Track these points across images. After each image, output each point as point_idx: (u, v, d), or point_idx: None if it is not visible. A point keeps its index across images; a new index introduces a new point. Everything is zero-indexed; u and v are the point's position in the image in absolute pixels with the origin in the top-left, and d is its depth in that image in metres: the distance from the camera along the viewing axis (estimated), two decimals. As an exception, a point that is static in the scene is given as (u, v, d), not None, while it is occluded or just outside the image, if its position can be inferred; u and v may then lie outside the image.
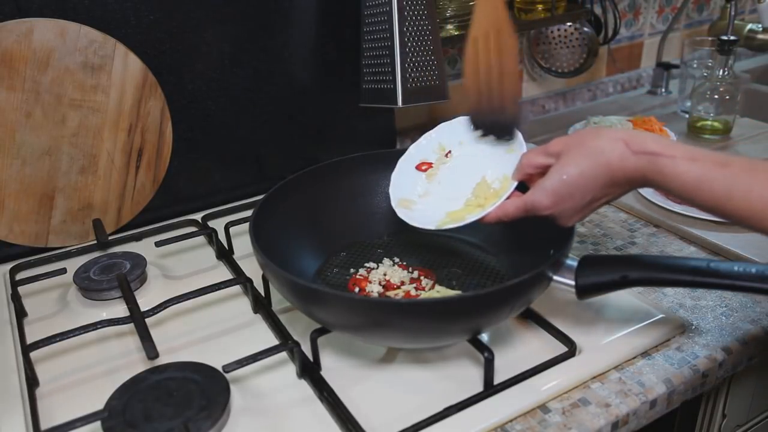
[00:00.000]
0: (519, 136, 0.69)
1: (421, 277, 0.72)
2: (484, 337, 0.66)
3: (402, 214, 0.72)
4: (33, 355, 0.65)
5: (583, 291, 0.61)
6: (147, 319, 0.68)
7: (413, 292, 0.69)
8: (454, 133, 0.74)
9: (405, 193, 0.74)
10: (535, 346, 0.65)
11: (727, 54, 1.11)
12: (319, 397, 0.60)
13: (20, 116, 0.80)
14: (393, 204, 0.73)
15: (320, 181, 0.79)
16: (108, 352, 0.68)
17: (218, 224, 0.88)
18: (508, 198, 0.64)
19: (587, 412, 0.58)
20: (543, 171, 0.62)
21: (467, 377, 0.61)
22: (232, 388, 0.59)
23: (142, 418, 0.55)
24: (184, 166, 0.92)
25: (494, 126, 0.69)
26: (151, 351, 0.62)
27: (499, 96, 0.66)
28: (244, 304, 0.74)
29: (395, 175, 0.76)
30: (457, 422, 0.56)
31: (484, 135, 0.70)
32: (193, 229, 0.91)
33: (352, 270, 0.75)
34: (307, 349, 0.63)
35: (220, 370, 0.59)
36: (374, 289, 0.70)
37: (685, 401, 0.64)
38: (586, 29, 1.22)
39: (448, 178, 0.73)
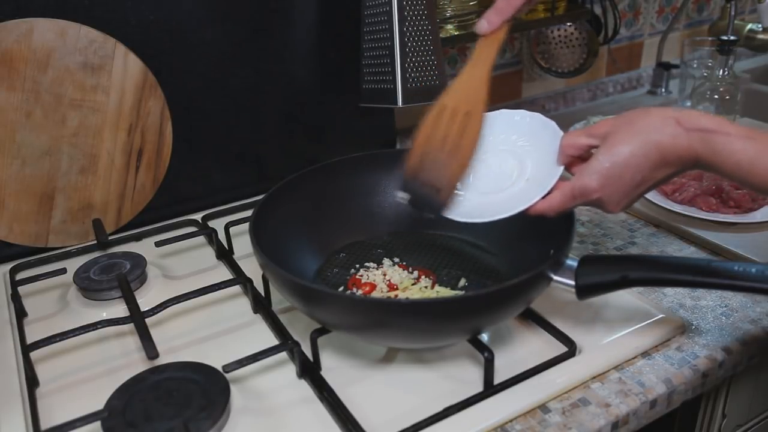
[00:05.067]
0: (554, 125, 0.65)
1: (421, 277, 0.72)
2: (484, 337, 0.66)
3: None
4: (33, 355, 0.65)
5: (583, 291, 0.61)
6: (147, 319, 0.68)
7: (414, 293, 0.69)
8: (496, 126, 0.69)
9: None
10: (535, 346, 0.65)
11: (727, 54, 1.11)
12: (319, 397, 0.60)
13: (20, 116, 0.80)
14: None
15: (320, 181, 0.79)
16: (108, 352, 0.68)
17: (218, 224, 0.88)
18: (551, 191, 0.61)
19: (587, 412, 0.58)
20: (585, 155, 0.60)
21: (467, 377, 0.61)
22: (232, 388, 0.59)
23: (142, 418, 0.55)
24: (184, 166, 0.92)
25: (421, 201, 0.63)
26: (151, 351, 0.62)
27: (440, 174, 0.60)
28: (244, 304, 0.74)
29: None
30: (457, 422, 0.56)
31: (409, 202, 0.65)
32: (193, 229, 0.91)
33: (352, 270, 0.75)
34: (307, 349, 0.63)
35: (220, 370, 0.59)
36: (381, 288, 0.70)
37: (685, 401, 0.64)
38: (586, 29, 1.22)
39: (483, 171, 0.68)
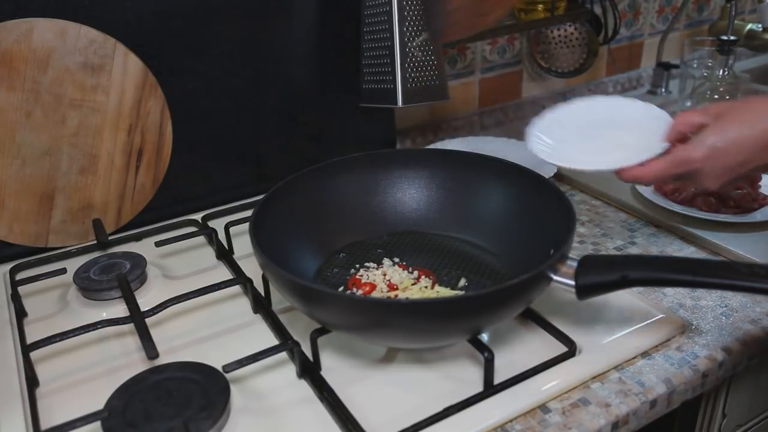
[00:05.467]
0: (662, 111, 0.71)
1: (421, 277, 0.72)
2: (484, 337, 0.66)
3: (536, 146, 0.74)
4: (33, 355, 0.65)
5: (583, 291, 0.61)
6: (147, 319, 0.68)
7: (414, 293, 0.69)
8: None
9: (545, 130, 0.76)
10: (535, 346, 0.65)
11: (727, 54, 1.11)
12: (319, 397, 0.60)
13: (20, 116, 0.80)
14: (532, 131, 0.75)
15: (320, 181, 0.79)
16: (108, 352, 0.68)
17: (218, 224, 0.88)
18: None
19: (587, 412, 0.58)
20: (695, 133, 0.62)
21: (467, 377, 0.61)
22: (232, 388, 0.59)
23: (142, 418, 0.55)
24: (184, 166, 0.92)
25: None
26: (151, 351, 0.63)
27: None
28: (244, 304, 0.74)
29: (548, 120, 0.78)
30: (457, 422, 0.56)
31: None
32: (193, 229, 0.91)
33: (352, 270, 0.75)
34: (307, 349, 0.63)
35: (220, 370, 0.59)
36: (381, 288, 0.70)
37: (685, 401, 0.64)
38: (586, 29, 1.22)
39: (589, 141, 0.74)
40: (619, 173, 0.66)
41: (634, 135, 0.71)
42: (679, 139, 0.64)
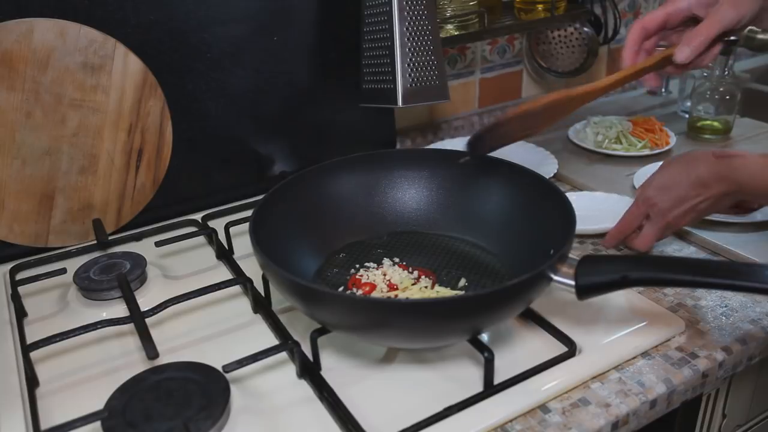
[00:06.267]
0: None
1: (421, 277, 0.72)
2: (484, 337, 0.66)
3: None
4: (33, 355, 0.65)
5: (583, 291, 0.61)
6: (147, 319, 0.68)
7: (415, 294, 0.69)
8: None
9: None
10: (535, 346, 0.65)
11: (727, 54, 1.11)
12: (319, 397, 0.60)
13: (20, 116, 0.80)
14: None
15: (320, 181, 0.79)
16: (108, 352, 0.68)
17: (218, 224, 0.88)
18: None
19: (587, 412, 0.58)
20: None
21: (467, 377, 0.61)
22: (232, 388, 0.59)
23: (142, 418, 0.55)
24: (184, 166, 0.92)
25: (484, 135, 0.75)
26: (151, 351, 0.62)
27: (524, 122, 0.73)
28: (244, 304, 0.74)
29: None
30: (457, 422, 0.56)
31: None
32: (193, 229, 0.91)
33: (352, 270, 0.75)
34: (307, 349, 0.63)
35: (220, 370, 0.59)
36: (381, 288, 0.70)
37: (685, 401, 0.64)
38: (586, 29, 1.22)
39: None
40: (605, 241, 0.82)
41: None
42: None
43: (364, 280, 0.71)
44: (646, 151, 1.07)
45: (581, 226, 0.82)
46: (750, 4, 0.68)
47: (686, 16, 0.73)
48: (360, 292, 0.70)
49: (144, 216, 0.91)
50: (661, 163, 1.00)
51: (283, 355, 0.65)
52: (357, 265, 0.76)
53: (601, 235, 0.85)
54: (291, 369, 0.64)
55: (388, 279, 0.71)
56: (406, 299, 0.67)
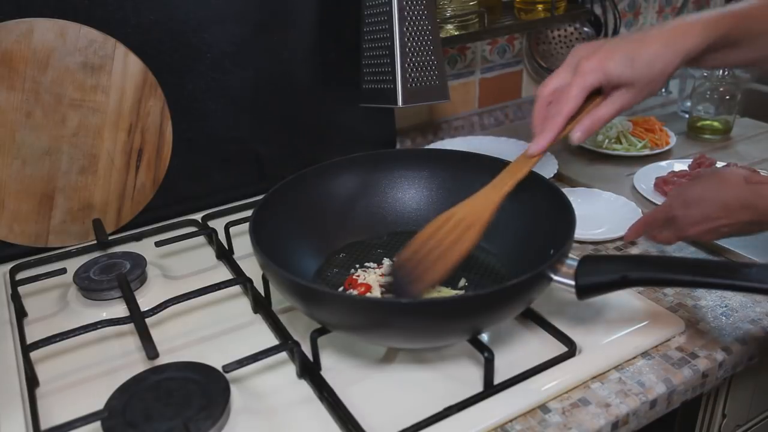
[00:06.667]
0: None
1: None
2: (484, 337, 0.66)
3: None
4: (33, 355, 0.65)
5: (583, 291, 0.61)
6: (147, 319, 0.68)
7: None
8: None
9: None
10: (535, 346, 0.65)
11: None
12: (319, 397, 0.60)
13: (20, 116, 0.80)
14: None
15: (320, 181, 0.79)
16: (108, 352, 0.68)
17: (218, 224, 0.88)
18: None
19: (587, 412, 0.58)
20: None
21: (467, 377, 0.61)
22: (232, 388, 0.59)
23: (142, 418, 0.55)
24: (184, 166, 0.92)
25: (397, 287, 0.66)
26: (151, 351, 0.62)
27: (420, 273, 0.64)
28: (244, 304, 0.74)
29: None
30: (457, 422, 0.56)
31: (386, 284, 0.69)
32: (193, 229, 0.91)
33: (352, 270, 0.75)
34: (307, 349, 0.63)
35: (220, 370, 0.59)
36: (376, 288, 0.70)
37: (685, 401, 0.64)
38: (586, 29, 1.22)
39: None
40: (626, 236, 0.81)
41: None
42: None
43: (360, 281, 0.71)
44: (646, 151, 1.07)
45: (581, 230, 0.82)
46: (657, 85, 0.67)
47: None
48: (355, 292, 0.70)
49: (144, 216, 0.91)
50: (661, 163, 1.00)
51: (283, 355, 0.65)
52: (357, 265, 0.76)
53: (601, 243, 0.85)
54: (291, 369, 0.64)
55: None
56: (406, 299, 0.67)
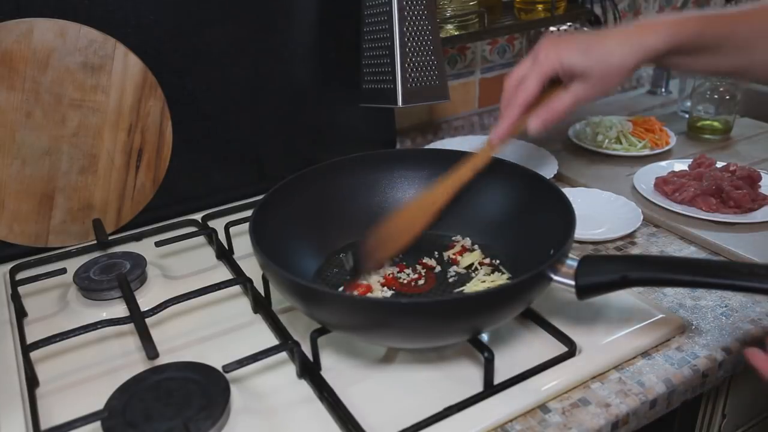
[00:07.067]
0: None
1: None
2: (484, 337, 0.66)
3: None
4: (33, 355, 0.65)
5: (583, 291, 0.61)
6: (147, 319, 0.68)
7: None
8: None
9: None
10: (535, 346, 0.65)
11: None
12: (319, 397, 0.60)
13: (20, 116, 0.80)
14: None
15: (320, 181, 0.79)
16: (108, 352, 0.68)
17: (218, 224, 0.88)
18: None
19: (587, 412, 0.58)
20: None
21: (467, 377, 0.61)
22: (232, 388, 0.59)
23: (142, 418, 0.55)
24: (184, 166, 0.92)
25: (355, 261, 0.74)
26: (151, 351, 0.63)
27: (375, 252, 0.72)
28: (244, 304, 0.74)
29: None
30: (457, 422, 0.56)
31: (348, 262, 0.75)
32: (193, 229, 0.91)
33: (352, 270, 0.75)
34: (307, 349, 0.63)
35: (220, 370, 0.59)
36: (377, 289, 0.70)
37: (685, 401, 0.64)
38: (586, 29, 1.21)
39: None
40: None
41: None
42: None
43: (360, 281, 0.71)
44: (646, 151, 1.07)
45: (581, 231, 0.82)
46: (613, 79, 0.67)
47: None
48: (355, 293, 0.70)
49: (144, 216, 0.91)
50: (661, 163, 1.02)
51: (283, 355, 0.65)
52: (357, 265, 0.76)
53: (601, 243, 0.85)
54: (291, 369, 0.64)
55: (391, 273, 0.72)
56: (406, 299, 0.67)
